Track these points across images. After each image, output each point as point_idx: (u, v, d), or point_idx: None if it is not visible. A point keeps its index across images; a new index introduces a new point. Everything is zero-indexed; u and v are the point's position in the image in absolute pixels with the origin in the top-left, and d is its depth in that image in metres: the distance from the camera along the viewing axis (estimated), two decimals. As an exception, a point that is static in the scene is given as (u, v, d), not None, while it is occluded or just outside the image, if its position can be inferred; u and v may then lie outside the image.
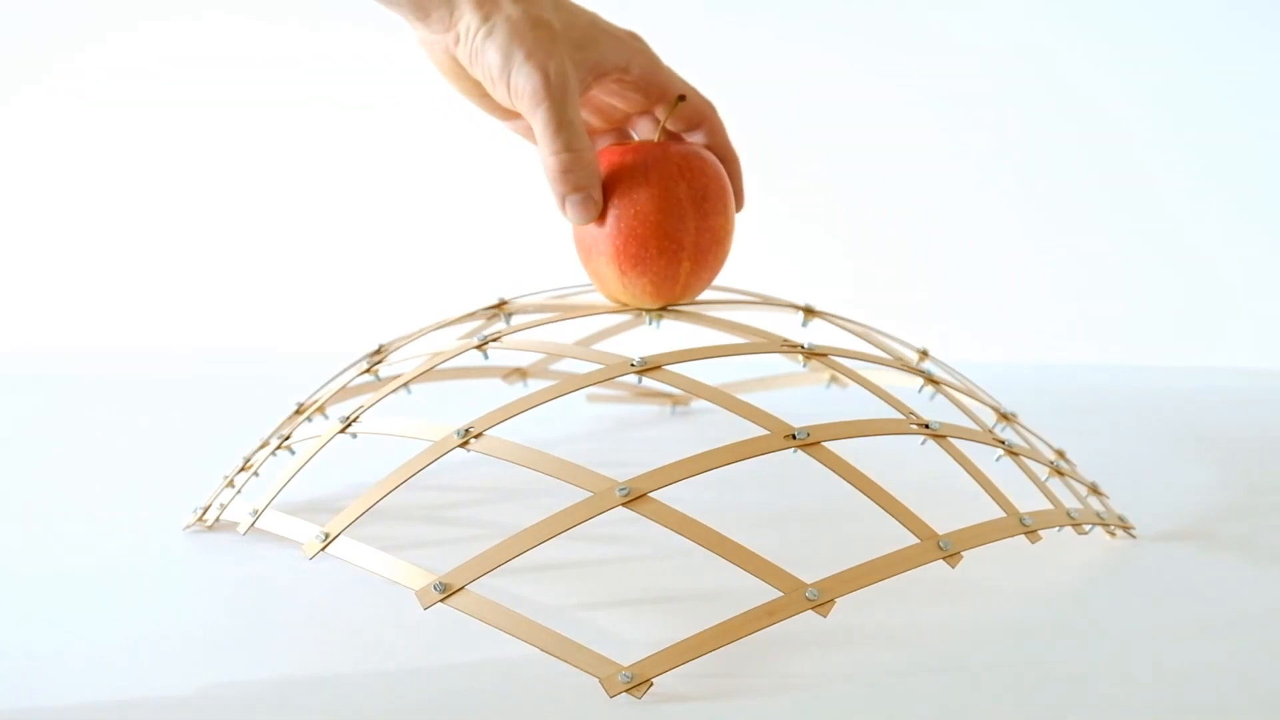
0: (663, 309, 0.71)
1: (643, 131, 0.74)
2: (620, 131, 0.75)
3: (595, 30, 0.69)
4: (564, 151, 0.67)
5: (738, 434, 0.63)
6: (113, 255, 1.52)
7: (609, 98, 0.73)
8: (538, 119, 0.67)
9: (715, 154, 0.72)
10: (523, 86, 0.67)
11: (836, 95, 1.44)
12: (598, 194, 0.68)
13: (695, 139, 0.73)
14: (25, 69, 1.51)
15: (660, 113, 0.72)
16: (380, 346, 0.79)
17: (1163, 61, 1.41)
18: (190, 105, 1.51)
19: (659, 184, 0.68)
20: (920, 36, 1.43)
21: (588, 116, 0.74)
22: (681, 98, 0.71)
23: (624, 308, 0.72)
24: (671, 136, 0.73)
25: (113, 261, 1.52)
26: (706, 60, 1.33)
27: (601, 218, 0.69)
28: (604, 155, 0.70)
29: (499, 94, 0.69)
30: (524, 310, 0.75)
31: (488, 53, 0.67)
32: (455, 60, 0.70)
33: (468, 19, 0.68)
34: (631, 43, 0.71)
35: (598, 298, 0.75)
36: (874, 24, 1.43)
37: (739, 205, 0.73)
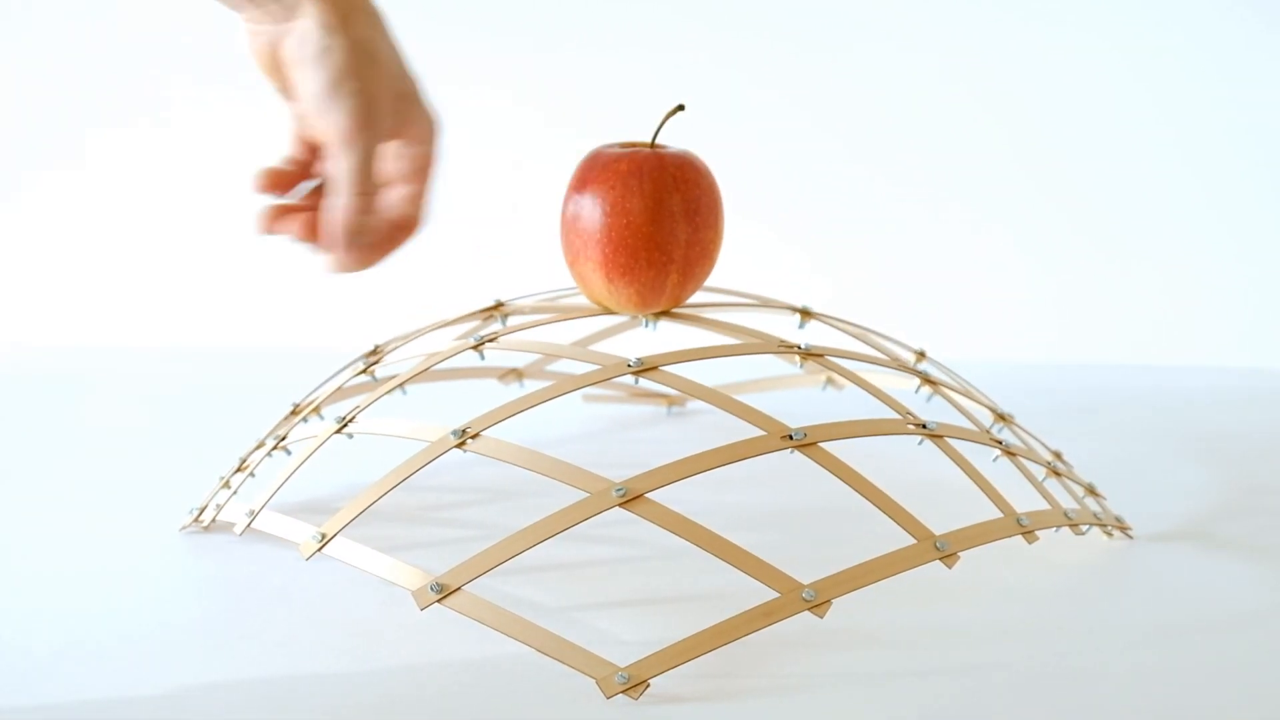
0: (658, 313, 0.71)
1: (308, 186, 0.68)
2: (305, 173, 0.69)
3: (414, 94, 0.66)
4: (364, 196, 0.63)
5: (735, 435, 0.63)
6: (108, 255, 1.52)
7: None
8: (347, 159, 0.63)
9: (416, 164, 0.67)
10: (340, 122, 0.63)
11: (833, 95, 1.44)
12: (377, 248, 0.65)
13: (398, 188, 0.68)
14: (22, 67, 1.51)
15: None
16: (376, 347, 0.79)
17: (1163, 59, 1.41)
18: (185, 102, 1.51)
19: (653, 195, 0.67)
20: (917, 36, 1.43)
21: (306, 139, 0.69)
22: (680, 107, 0.70)
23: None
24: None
25: (108, 261, 1.52)
26: (702, 61, 1.33)
27: (594, 224, 0.68)
28: (598, 159, 0.69)
29: (310, 109, 0.65)
30: (520, 311, 0.75)
31: (318, 70, 0.63)
32: (275, 55, 0.65)
33: (308, 25, 0.63)
34: (435, 124, 0.67)
35: (594, 299, 0.75)
36: (869, 24, 1.43)
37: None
